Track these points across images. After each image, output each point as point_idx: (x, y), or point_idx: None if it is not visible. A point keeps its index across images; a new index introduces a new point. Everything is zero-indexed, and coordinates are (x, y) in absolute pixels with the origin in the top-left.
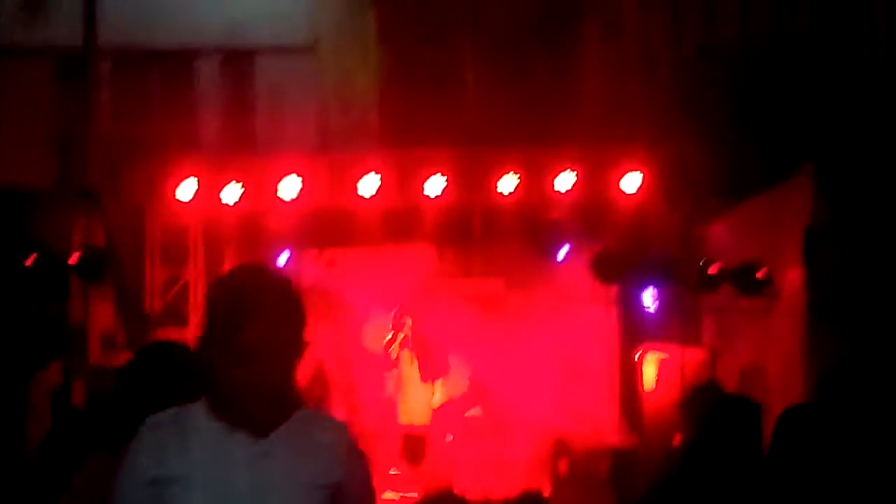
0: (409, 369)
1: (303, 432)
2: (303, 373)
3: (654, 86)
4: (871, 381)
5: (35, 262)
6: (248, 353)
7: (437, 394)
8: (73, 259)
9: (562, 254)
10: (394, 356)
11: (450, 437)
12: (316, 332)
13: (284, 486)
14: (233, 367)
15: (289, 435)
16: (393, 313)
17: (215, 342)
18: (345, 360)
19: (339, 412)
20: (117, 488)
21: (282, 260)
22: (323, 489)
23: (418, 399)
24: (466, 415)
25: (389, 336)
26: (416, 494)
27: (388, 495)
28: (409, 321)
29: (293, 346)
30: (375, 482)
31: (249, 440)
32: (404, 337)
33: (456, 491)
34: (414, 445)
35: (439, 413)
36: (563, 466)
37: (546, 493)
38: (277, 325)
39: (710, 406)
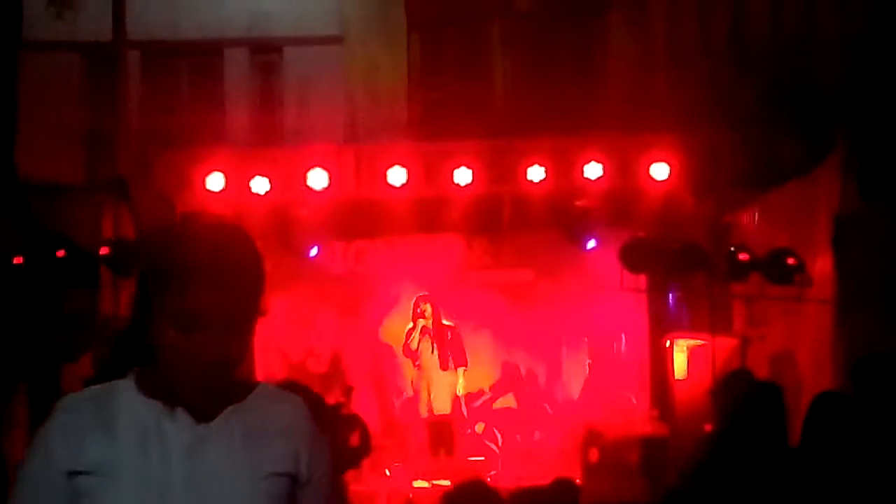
0: (429, 358)
1: (254, 413)
2: (321, 362)
3: (683, 74)
4: None
5: (65, 254)
6: (198, 320)
7: (461, 381)
8: (104, 251)
9: (591, 243)
10: (414, 346)
11: (481, 426)
12: (339, 323)
13: (227, 476)
14: (176, 336)
15: (237, 417)
16: (413, 302)
17: (156, 305)
18: (371, 351)
19: (365, 403)
20: (23, 481)
21: (312, 252)
22: (275, 479)
23: (441, 389)
24: (497, 404)
25: (410, 325)
26: (448, 483)
27: (420, 484)
28: (429, 309)
29: (251, 313)
30: (406, 470)
31: (188, 423)
32: (423, 326)
33: (488, 479)
34: (439, 434)
35: (465, 402)
36: (594, 455)
37: (577, 482)
38: (235, 287)
39: (740, 393)
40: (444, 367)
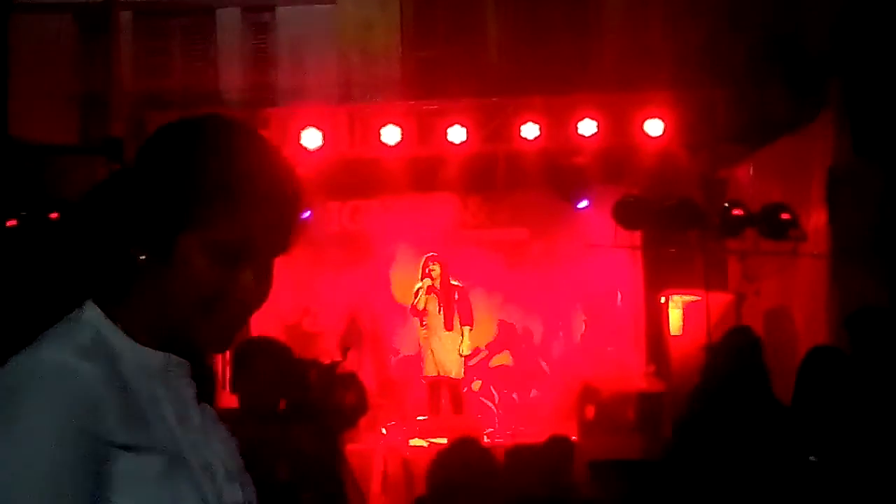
0: (436, 318)
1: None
2: (316, 322)
3: (676, 31)
4: (890, 322)
5: (59, 216)
6: (248, 250)
7: (466, 342)
8: None
9: (583, 203)
10: (421, 306)
11: (477, 384)
12: (334, 282)
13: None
14: (210, 269)
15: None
16: (422, 261)
17: (182, 224)
18: (372, 310)
19: (368, 361)
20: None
21: (304, 215)
22: None
23: (447, 348)
24: (493, 362)
25: (419, 284)
26: (444, 441)
27: (416, 442)
28: (437, 269)
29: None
30: (402, 429)
31: (187, 379)
32: (430, 285)
33: (485, 437)
34: (444, 393)
35: (467, 362)
36: (590, 412)
37: (573, 439)
38: (292, 216)
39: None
40: (448, 328)
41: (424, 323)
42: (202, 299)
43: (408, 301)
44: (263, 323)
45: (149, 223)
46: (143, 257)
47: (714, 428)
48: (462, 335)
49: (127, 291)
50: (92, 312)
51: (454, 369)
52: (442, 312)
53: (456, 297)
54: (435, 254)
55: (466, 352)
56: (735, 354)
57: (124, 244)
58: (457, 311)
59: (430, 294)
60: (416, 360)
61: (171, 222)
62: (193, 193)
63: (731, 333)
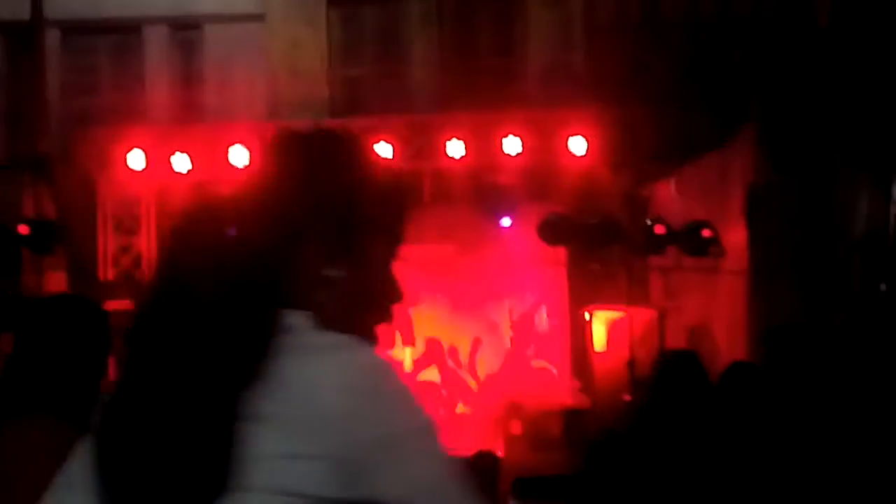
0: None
1: None
2: None
3: (600, 50)
4: (809, 340)
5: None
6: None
7: (408, 362)
8: (24, 230)
9: (506, 221)
10: None
11: None
12: None
13: None
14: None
15: None
16: None
17: (377, 240)
18: None
19: None
20: None
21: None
22: None
23: None
24: (420, 377)
25: None
26: None
27: None
28: None
29: None
30: None
31: None
32: None
33: None
34: None
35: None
36: (516, 427)
37: (499, 454)
38: None
39: (657, 363)
40: (390, 346)
41: None
42: (395, 297)
43: None
44: None
45: (342, 235)
46: (334, 270)
47: (651, 443)
48: (405, 354)
49: (307, 300)
50: (300, 320)
51: None
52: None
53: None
54: None
55: (409, 369)
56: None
57: (311, 261)
58: (399, 330)
59: None
60: None
61: (364, 232)
62: (375, 202)
63: (674, 353)
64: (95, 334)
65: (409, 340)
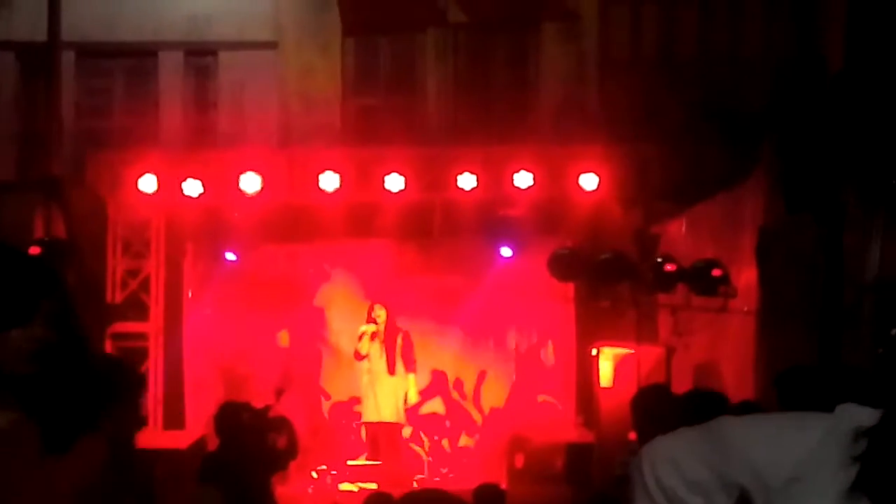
0: (378, 363)
1: None
2: (251, 365)
3: (613, 87)
4: (822, 383)
5: None
6: None
7: (412, 389)
8: (34, 251)
9: (506, 251)
10: (363, 350)
11: (408, 431)
12: (269, 326)
13: None
14: None
15: None
16: (369, 306)
17: None
18: (305, 354)
19: (300, 405)
20: None
21: (230, 256)
22: None
23: (387, 393)
24: (424, 408)
25: (364, 328)
26: (374, 486)
27: (346, 486)
28: (383, 314)
29: None
30: (334, 473)
31: None
32: (374, 331)
33: (414, 482)
34: (383, 439)
35: (409, 411)
36: (519, 460)
37: (502, 487)
38: None
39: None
40: (391, 372)
41: (368, 368)
42: None
43: (342, 345)
44: (198, 365)
45: None
46: None
47: None
48: (407, 382)
49: None
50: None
51: (393, 415)
52: (384, 357)
53: (400, 342)
54: (380, 298)
55: (414, 399)
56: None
57: None
58: (401, 356)
59: (373, 340)
60: (349, 405)
61: None
62: None
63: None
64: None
65: (410, 367)
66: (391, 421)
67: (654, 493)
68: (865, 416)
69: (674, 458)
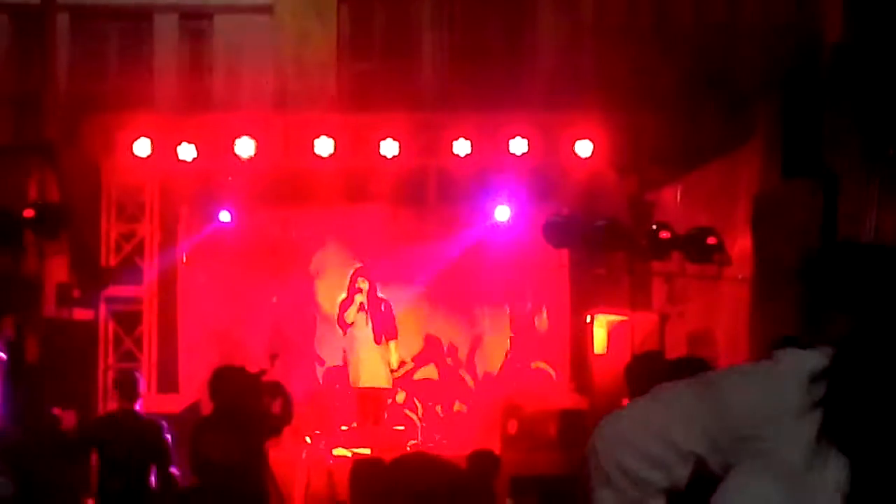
0: (364, 331)
1: None
2: (245, 330)
3: (609, 54)
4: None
5: None
6: None
7: (394, 356)
8: (28, 213)
9: (502, 214)
10: (349, 319)
11: (402, 396)
12: (264, 291)
13: None
14: None
15: None
16: (350, 275)
17: None
18: (299, 319)
19: (294, 370)
20: None
21: (224, 217)
22: None
23: (375, 361)
24: (418, 374)
25: (343, 296)
26: (367, 451)
27: (340, 451)
28: (365, 284)
29: None
30: (326, 439)
31: None
32: (360, 302)
33: (407, 448)
34: (371, 405)
35: (393, 373)
36: (512, 427)
37: (496, 453)
38: None
39: (661, 370)
40: (377, 342)
41: (351, 335)
42: None
43: (335, 311)
44: (192, 329)
45: None
46: None
47: None
48: (389, 348)
49: None
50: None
51: (381, 381)
52: (370, 325)
53: (382, 309)
54: (360, 265)
55: (395, 365)
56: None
57: None
58: (383, 325)
59: (359, 311)
60: (342, 370)
61: None
62: None
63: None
64: None
65: (391, 334)
66: (378, 386)
67: (615, 478)
68: (814, 358)
69: (628, 438)
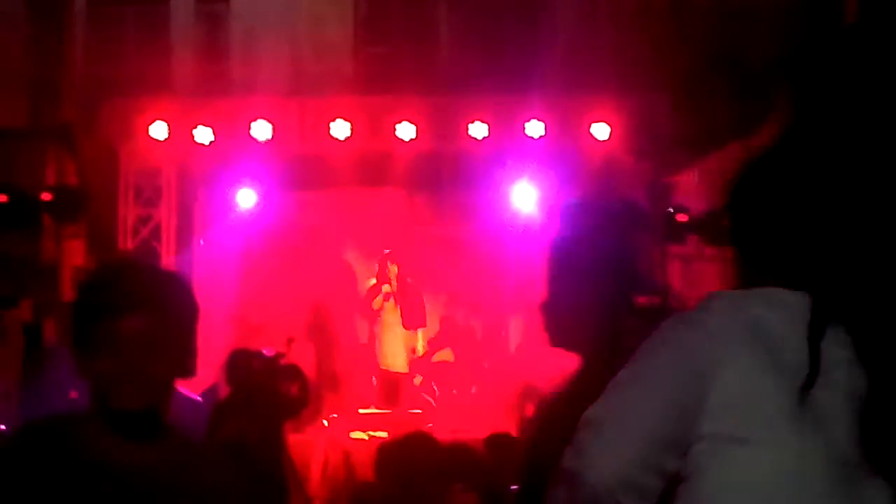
0: (391, 316)
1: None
2: (262, 314)
3: (625, 37)
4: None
5: (7, 199)
6: None
7: (420, 342)
8: (46, 197)
9: (520, 198)
10: (377, 306)
11: (418, 379)
12: (280, 274)
13: None
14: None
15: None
16: (379, 261)
17: None
18: (313, 303)
19: (312, 353)
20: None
21: (241, 200)
22: None
23: (399, 345)
24: (435, 357)
25: (373, 282)
26: (385, 434)
27: (358, 434)
28: (395, 269)
29: None
30: (344, 422)
31: None
32: (388, 291)
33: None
34: (393, 388)
35: (420, 359)
36: (529, 410)
37: (513, 435)
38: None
39: None
40: (407, 327)
41: (379, 319)
42: None
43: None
44: (209, 313)
45: None
46: None
47: None
48: (417, 335)
49: None
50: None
51: (400, 365)
52: (398, 311)
53: (411, 296)
54: (389, 251)
55: (421, 352)
56: None
57: None
58: (412, 311)
59: (387, 299)
60: (361, 354)
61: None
62: None
63: None
64: None
65: (420, 322)
66: (401, 371)
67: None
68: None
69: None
